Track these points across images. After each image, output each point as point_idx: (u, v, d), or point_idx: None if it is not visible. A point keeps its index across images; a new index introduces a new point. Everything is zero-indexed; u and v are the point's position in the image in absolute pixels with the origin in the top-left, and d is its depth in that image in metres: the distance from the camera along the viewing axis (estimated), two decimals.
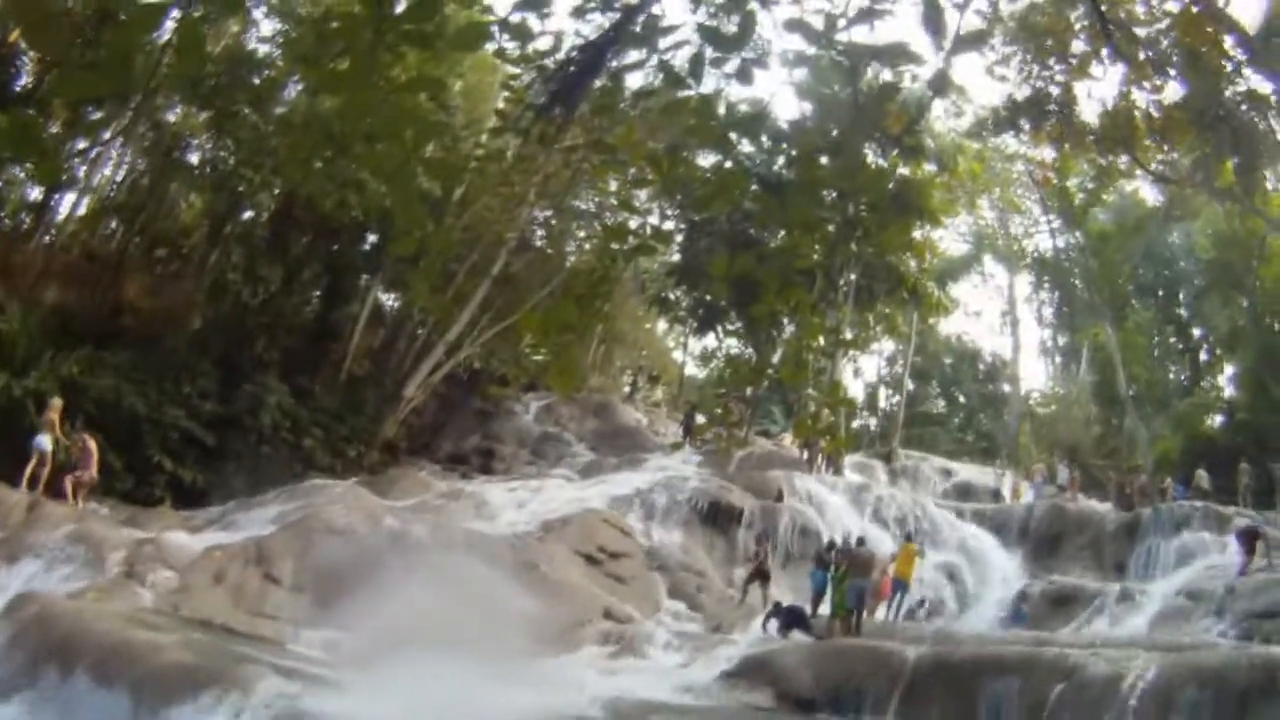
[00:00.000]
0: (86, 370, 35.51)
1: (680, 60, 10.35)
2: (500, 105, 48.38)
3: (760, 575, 36.49)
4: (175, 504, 35.61)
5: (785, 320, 52.13)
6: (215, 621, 24.41)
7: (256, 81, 43.98)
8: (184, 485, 37.24)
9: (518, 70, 16.28)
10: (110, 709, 15.55)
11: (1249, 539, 34.18)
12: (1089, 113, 48.27)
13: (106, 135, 45.07)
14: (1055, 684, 19.16)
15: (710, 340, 77.44)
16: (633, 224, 53.06)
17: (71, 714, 16.05)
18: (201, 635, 21.40)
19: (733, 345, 71.20)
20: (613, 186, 50.97)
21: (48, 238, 45.11)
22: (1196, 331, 74.35)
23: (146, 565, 26.50)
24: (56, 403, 31.50)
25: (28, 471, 30.06)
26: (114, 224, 47.65)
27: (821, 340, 47.31)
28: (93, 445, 31.29)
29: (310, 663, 20.88)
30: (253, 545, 28.59)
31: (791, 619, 29.23)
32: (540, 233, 55.73)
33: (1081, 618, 32.74)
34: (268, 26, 47.67)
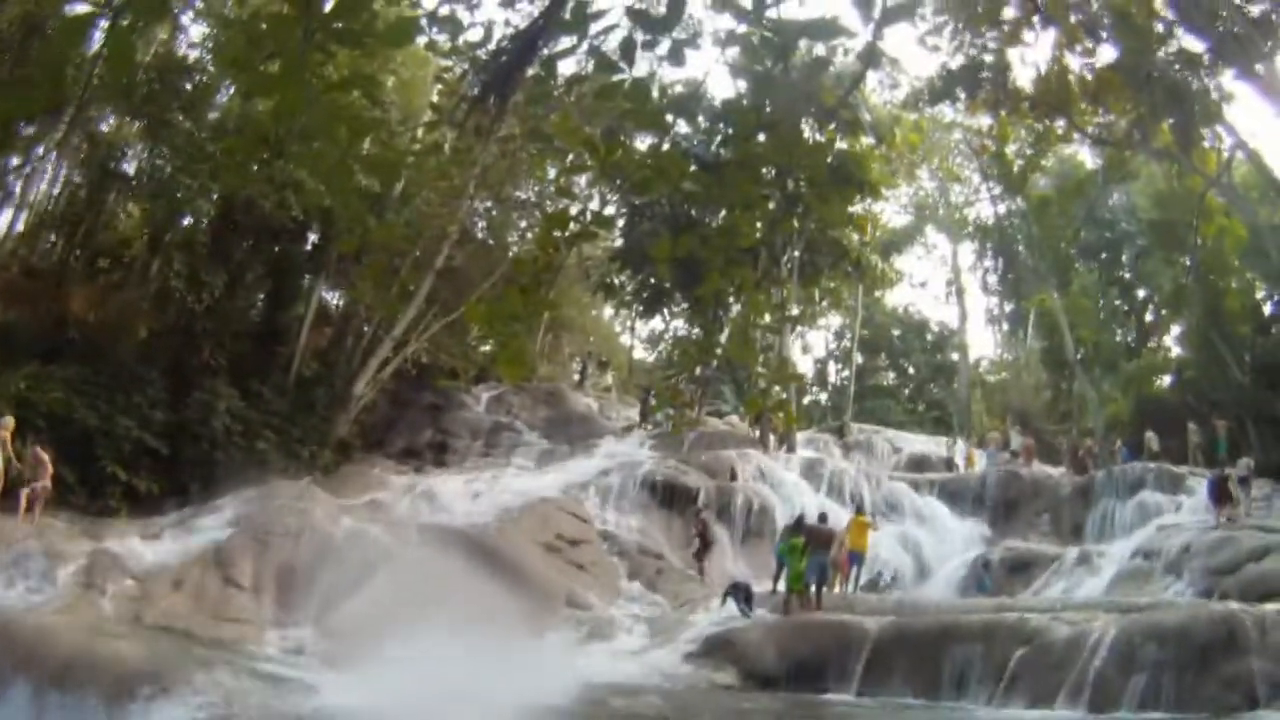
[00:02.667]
0: (34, 385, 35.20)
1: (611, 45, 10.38)
2: (435, 99, 48.50)
3: (704, 545, 36.76)
4: (131, 513, 35.37)
5: (731, 299, 52.35)
6: (177, 627, 24.41)
7: (189, 88, 43.80)
8: (139, 494, 37.00)
9: (450, 63, 16.27)
10: (77, 718, 15.54)
11: (1220, 489, 34.39)
12: (1024, 79, 48.57)
13: (40, 150, 44.82)
14: (1017, 648, 19.38)
15: (657, 323, 77.62)
16: (573, 210, 53.18)
17: None
18: (164, 642, 21.40)
19: (680, 327, 71.22)
20: (551, 174, 51.03)
21: None
22: (1141, 292, 74.55)
23: (106, 575, 26.44)
24: (9, 421, 31.28)
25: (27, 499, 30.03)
26: (53, 238, 47.23)
27: (768, 317, 47.49)
28: (46, 457, 31.16)
29: (274, 662, 20.90)
30: (211, 550, 28.59)
31: (738, 594, 29.39)
32: (482, 224, 55.66)
33: (1040, 582, 32.99)
34: (197, 31, 47.36)
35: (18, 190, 44.85)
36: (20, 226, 46.35)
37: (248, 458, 39.80)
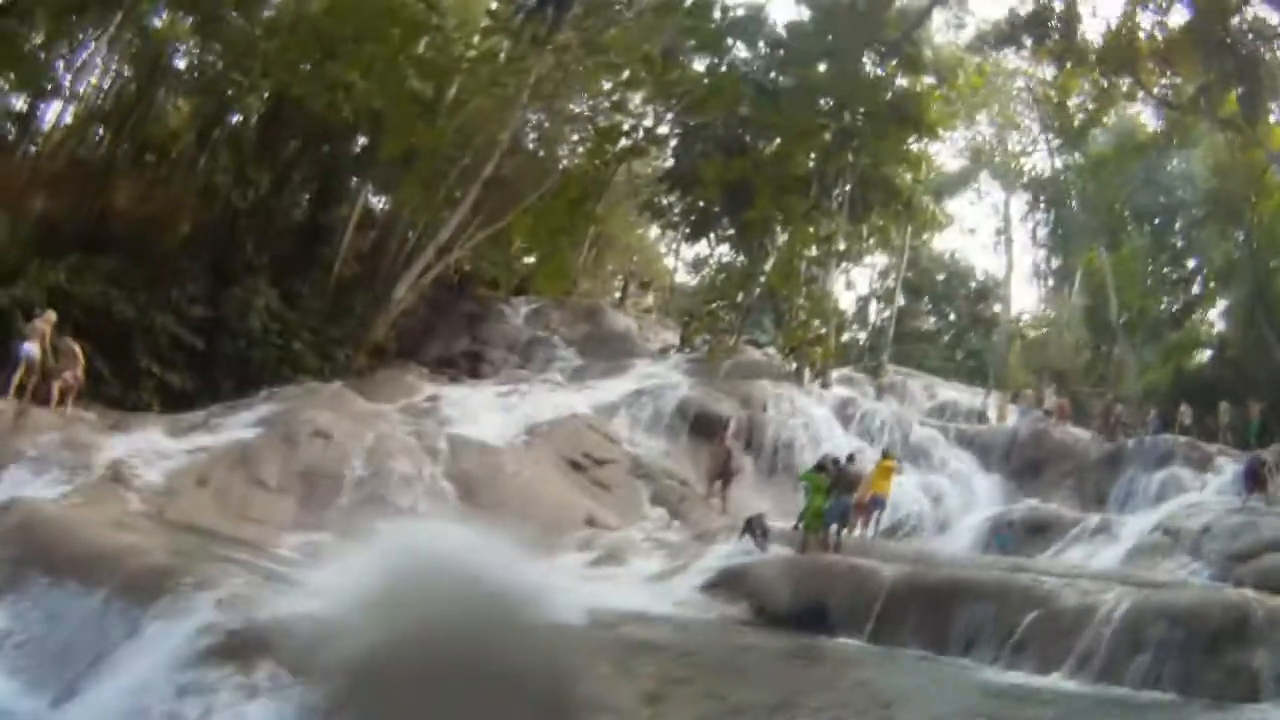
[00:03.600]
0: (74, 277, 35.32)
1: None
2: (492, 6, 48.30)
3: (724, 474, 36.80)
4: (163, 408, 35.55)
5: (778, 229, 52.16)
6: (200, 525, 24.54)
7: None
8: (172, 390, 37.22)
9: None
10: (94, 611, 15.63)
11: (1256, 475, 34.08)
12: (1092, 32, 48.05)
13: (91, 44, 44.82)
14: (1028, 611, 19.27)
15: (702, 248, 77.28)
16: (625, 126, 53.25)
17: (57, 618, 16.12)
18: (185, 538, 21.52)
19: (725, 253, 70.94)
20: (606, 89, 50.79)
21: (34, 148, 44.80)
22: (1191, 262, 73.35)
23: (132, 470, 26.62)
24: (50, 315, 31.53)
25: (15, 379, 30.11)
26: (101, 131, 47.18)
27: (814, 250, 47.43)
28: (77, 348, 31.29)
29: (288, 564, 21.00)
30: (238, 448, 28.74)
31: (758, 531, 29.43)
32: (533, 135, 55.47)
33: (1058, 545, 32.80)
34: None
35: (67, 83, 44.93)
36: (69, 119, 46.49)
37: (283, 357, 40.03)
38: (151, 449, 27.89)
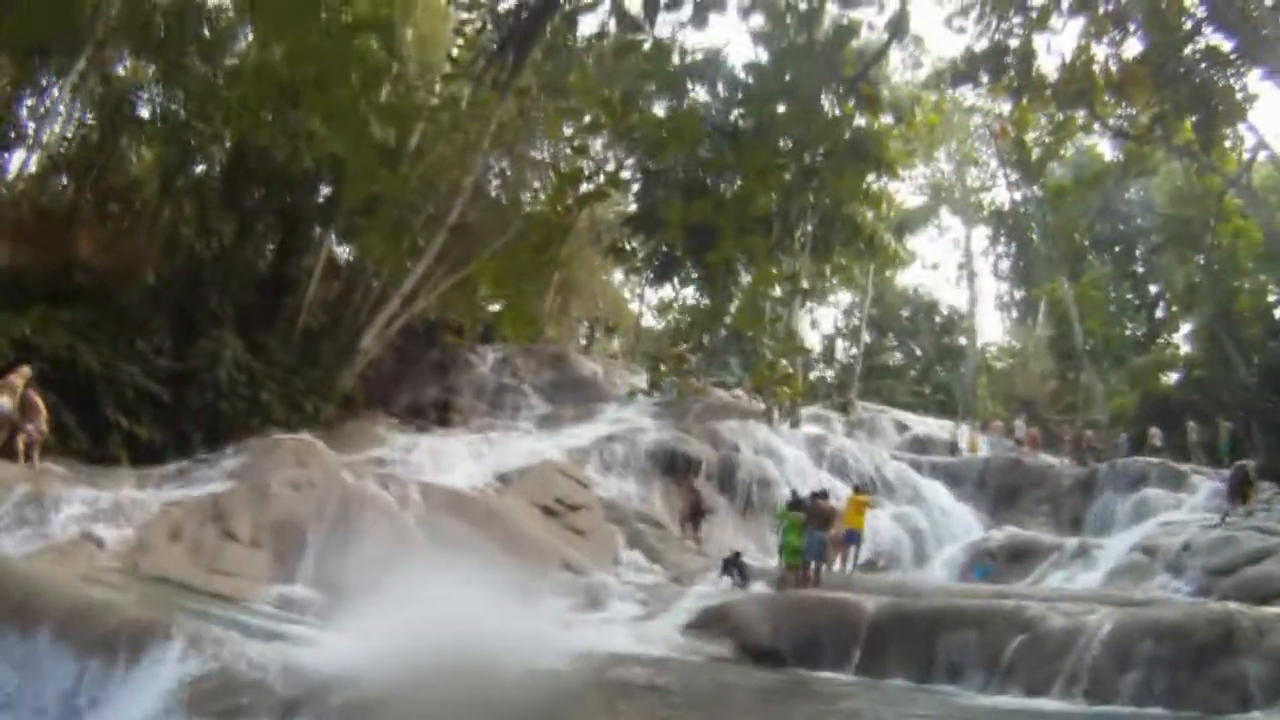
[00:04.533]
0: (40, 329, 35.02)
1: (633, 3, 10.22)
2: (453, 52, 48.32)
3: (695, 514, 36.82)
4: (132, 461, 35.36)
5: (742, 270, 52.18)
6: (173, 579, 24.36)
7: (206, 33, 43.69)
8: (141, 442, 36.94)
9: (470, 16, 16.08)
10: (69, 667, 15.45)
11: (1242, 480, 34.28)
12: (1048, 66, 48.32)
13: (55, 90, 44.77)
14: (1013, 636, 19.30)
15: (667, 291, 77.42)
16: (587, 171, 53.15)
17: (32, 674, 15.94)
18: (159, 592, 21.36)
19: (689, 295, 71.09)
20: (567, 133, 50.92)
21: None
22: (1153, 288, 74.49)
23: (103, 524, 26.33)
24: (25, 370, 31.21)
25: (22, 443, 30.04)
26: (64, 180, 47.13)
27: (778, 290, 47.41)
28: (39, 401, 31.06)
29: (266, 617, 20.85)
30: (210, 501, 28.49)
31: (737, 570, 29.39)
32: (496, 182, 55.48)
33: (1038, 571, 32.95)
34: None
35: (30, 130, 44.82)
36: (32, 167, 46.33)
37: (251, 409, 39.81)
38: (122, 503, 27.58)
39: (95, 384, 35.93)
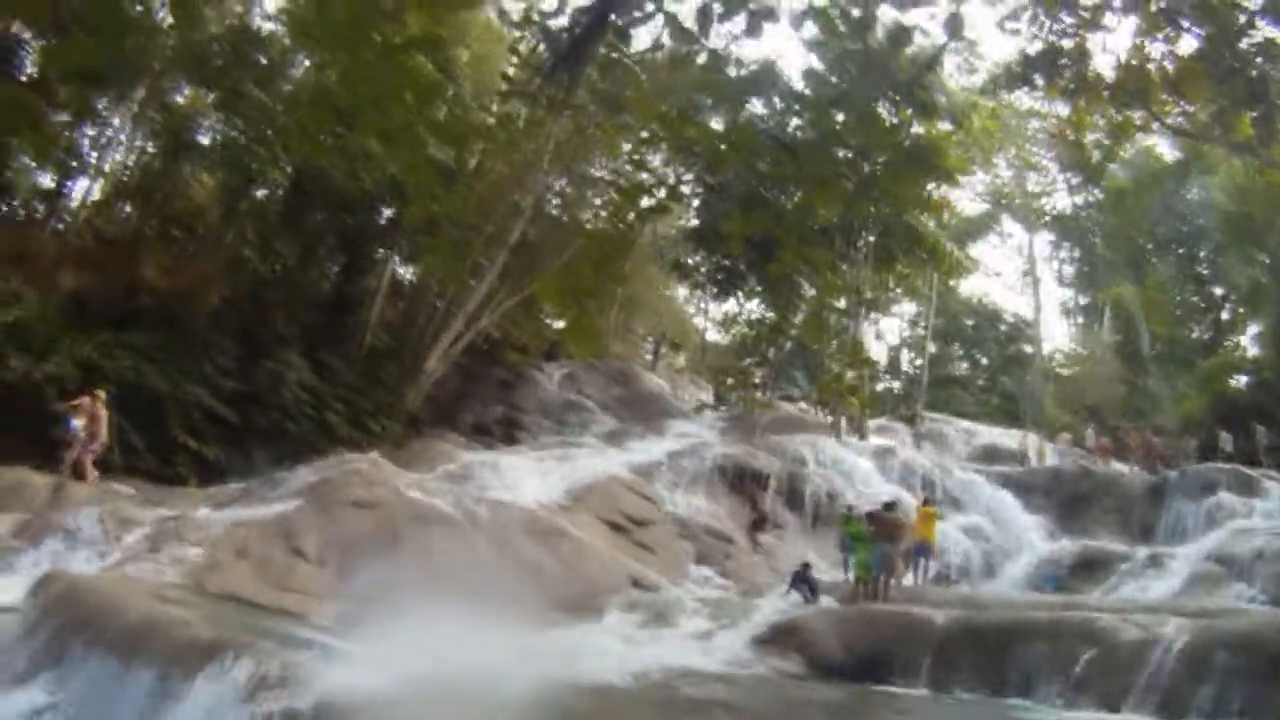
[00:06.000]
0: (106, 352, 35.48)
1: (687, 15, 10.17)
2: (508, 71, 48.40)
3: (759, 519, 36.75)
4: (199, 481, 35.68)
5: (804, 283, 52.04)
6: (240, 596, 24.41)
7: (262, 60, 43.97)
8: (207, 462, 37.31)
9: (523, 34, 16.08)
10: (135, 685, 15.46)
11: None
12: (1103, 66, 47.95)
13: (115, 120, 45.13)
14: (1086, 649, 19.01)
15: (731, 305, 77.29)
16: (647, 185, 53.15)
17: (97, 691, 15.99)
18: (226, 610, 21.39)
19: (753, 309, 70.90)
20: (625, 149, 50.96)
21: (61, 224, 45.10)
22: (1218, 289, 73.53)
23: (171, 542, 26.45)
24: (100, 394, 32.02)
25: (71, 456, 30.76)
26: (127, 207, 47.56)
27: (842, 302, 47.27)
28: (98, 408, 31.43)
29: (330, 635, 20.85)
30: (276, 520, 28.51)
31: (805, 584, 29.24)
32: (555, 201, 55.51)
33: (1109, 582, 32.57)
34: (271, 3, 47.67)
35: (93, 159, 45.24)
36: (96, 195, 46.74)
37: (317, 429, 40.03)
38: (189, 522, 27.71)
39: (162, 405, 36.35)
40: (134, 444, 34.76)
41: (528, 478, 38.38)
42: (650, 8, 10.22)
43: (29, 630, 18.13)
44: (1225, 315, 73.29)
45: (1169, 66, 41.90)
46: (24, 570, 23.64)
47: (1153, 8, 37.99)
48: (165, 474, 35.53)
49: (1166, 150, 67.26)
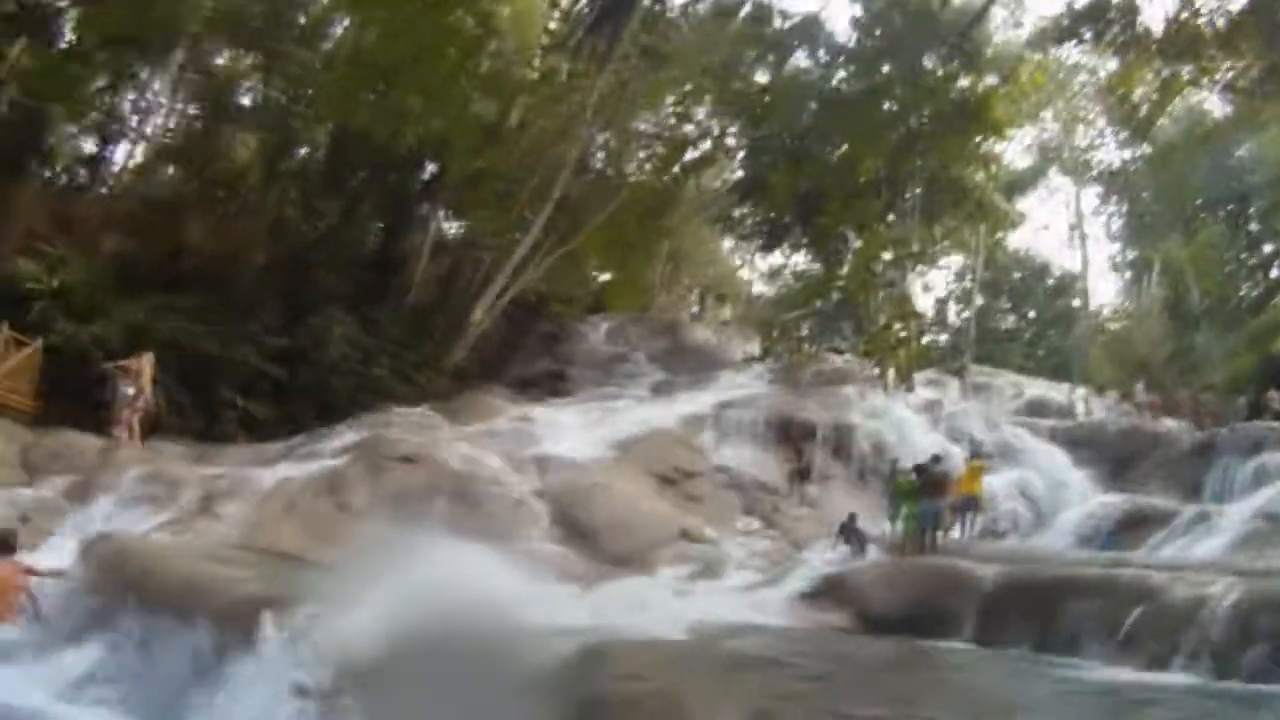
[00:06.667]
0: (153, 315, 35.78)
1: None
2: (550, 25, 48.38)
3: (800, 472, 36.71)
4: (248, 439, 35.99)
5: (851, 235, 51.90)
6: (290, 552, 24.51)
7: (301, 20, 44.05)
8: (256, 420, 37.66)
9: None
10: (188, 644, 15.53)
11: None
12: (1152, 20, 47.49)
13: (155, 84, 45.29)
14: (1134, 606, 18.80)
15: (777, 258, 76.99)
16: (691, 137, 53.30)
17: (151, 651, 16.08)
18: (274, 566, 21.48)
19: (799, 262, 70.67)
20: (669, 102, 50.87)
21: (104, 189, 45.36)
22: (1268, 247, 72.76)
23: (220, 500, 26.68)
24: (149, 356, 32.63)
25: (125, 418, 31.46)
26: (170, 170, 47.75)
27: (887, 254, 47.20)
28: (142, 365, 31.74)
29: (374, 590, 20.94)
30: (325, 475, 28.70)
31: (853, 537, 29.24)
32: (600, 154, 55.40)
33: (1157, 538, 32.29)
34: None
35: (134, 124, 45.44)
36: (138, 159, 46.99)
37: (363, 384, 40.14)
38: (238, 479, 27.89)
39: (209, 365, 36.67)
40: (182, 404, 35.16)
41: (575, 431, 38.33)
42: None
43: (81, 592, 18.25)
44: (1275, 273, 72.60)
45: (1219, 22, 41.53)
46: (75, 532, 23.86)
47: None
48: (214, 433, 36.01)
49: (1216, 106, 66.65)
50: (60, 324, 34.07)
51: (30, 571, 17.62)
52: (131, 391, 31.54)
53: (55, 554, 21.29)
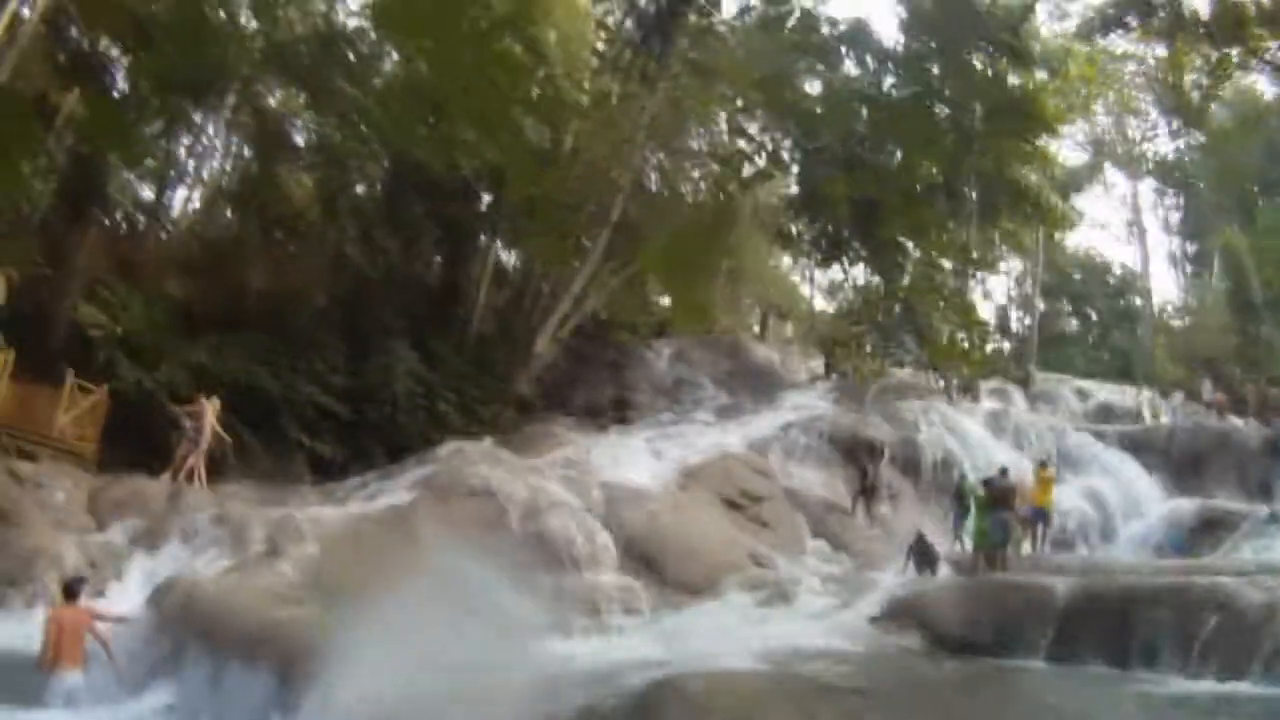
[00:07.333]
0: (216, 357, 36.07)
1: None
2: (598, 48, 48.49)
3: (865, 491, 36.60)
4: (315, 479, 36.11)
5: (910, 244, 51.77)
6: (358, 590, 24.61)
7: (351, 56, 44.32)
8: (323, 459, 37.81)
9: (609, 6, 16.20)
10: (254, 689, 15.68)
11: None
12: (1198, 2, 47.20)
13: (210, 127, 45.70)
14: (1210, 615, 18.60)
15: (836, 272, 76.87)
16: (746, 150, 53.28)
17: (219, 696, 16.24)
18: (340, 607, 21.61)
19: (859, 275, 70.60)
20: (721, 119, 50.94)
21: (164, 233, 45.78)
22: None
23: (288, 541, 26.70)
24: (216, 402, 32.92)
25: (192, 462, 31.81)
26: (228, 212, 48.15)
27: (948, 263, 47.02)
28: (207, 408, 32.10)
29: (443, 623, 20.99)
30: (393, 512, 28.76)
31: (922, 556, 29.10)
32: (654, 176, 55.40)
33: (1230, 542, 32.01)
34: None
35: (191, 167, 45.92)
36: (196, 202, 47.43)
37: (429, 419, 40.29)
38: (306, 519, 27.98)
39: (275, 405, 36.93)
40: (249, 445, 35.29)
41: (641, 458, 38.33)
42: None
43: (150, 637, 18.43)
44: None
45: (1266, 1, 41.24)
46: (142, 577, 24.11)
47: None
48: (282, 472, 35.96)
49: (1267, 88, 66.14)
50: (125, 369, 34.34)
51: (98, 616, 17.74)
52: (196, 434, 31.81)
53: (123, 599, 21.55)
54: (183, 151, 47.06)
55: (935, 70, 48.57)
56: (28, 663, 16.81)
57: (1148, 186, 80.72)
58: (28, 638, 17.63)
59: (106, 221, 43.45)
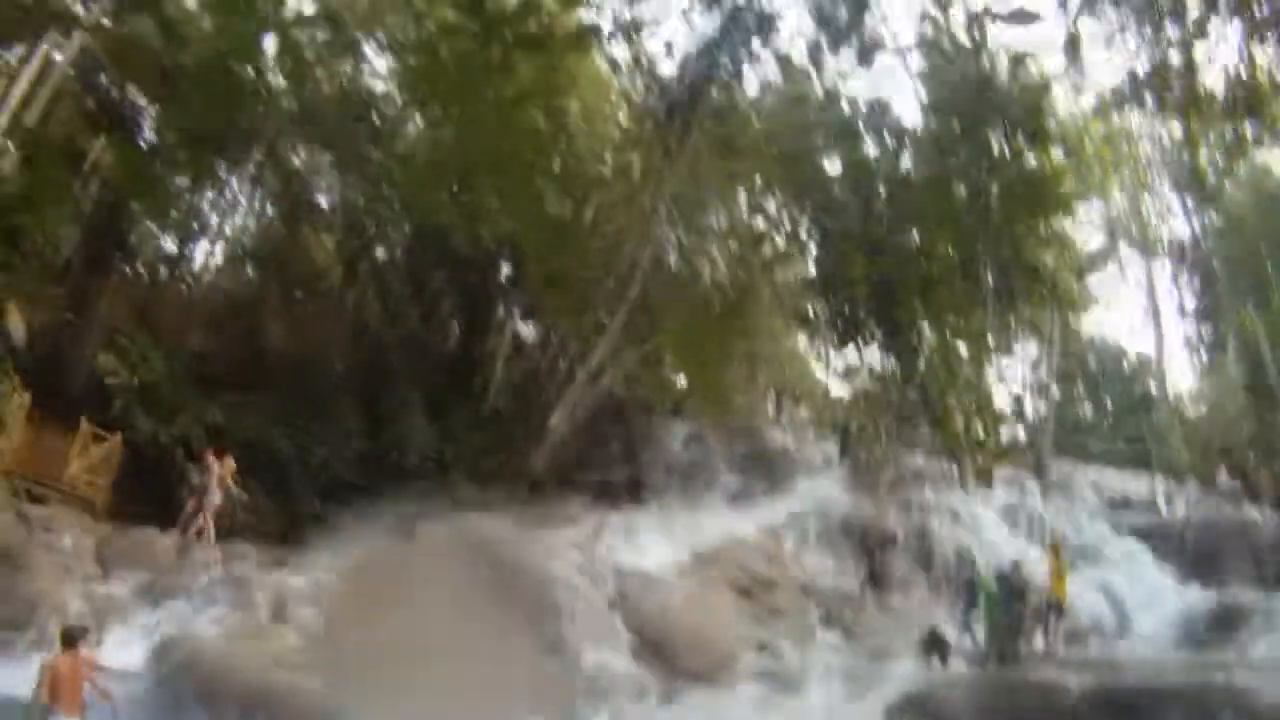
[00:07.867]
0: (232, 415, 36.06)
1: (797, 55, 10.20)
2: (621, 121, 48.55)
3: (873, 579, 36.48)
4: (323, 543, 35.88)
5: (926, 326, 51.59)
6: (360, 657, 24.50)
7: (376, 120, 44.44)
8: (331, 525, 37.51)
9: (632, 79, 16.22)
10: None
11: None
12: (1212, 80, 47.43)
13: (234, 183, 45.79)
14: (1228, 712, 18.50)
15: (852, 356, 76.79)
16: (763, 227, 53.28)
17: None
18: (342, 674, 21.55)
19: (874, 359, 70.50)
20: (741, 196, 50.94)
21: (185, 286, 45.79)
22: None
23: (294, 605, 26.71)
24: (230, 463, 32.83)
25: (193, 517, 31.58)
26: (250, 269, 48.23)
27: (964, 349, 46.91)
28: (214, 465, 32.16)
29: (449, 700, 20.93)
30: (400, 582, 28.64)
31: (935, 646, 28.92)
32: (674, 255, 55.44)
33: (1246, 634, 31.80)
34: (381, 64, 48.21)
35: (214, 223, 45.98)
36: (218, 257, 47.49)
37: (442, 490, 40.02)
38: (311, 584, 27.96)
39: (288, 468, 36.91)
40: (260, 506, 35.20)
41: (654, 540, 38.23)
42: (759, 51, 10.29)
43: (152, 694, 18.40)
44: None
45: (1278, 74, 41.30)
46: (145, 631, 24.06)
47: (1257, 13, 37.48)
48: (292, 536, 36.02)
49: None
50: (140, 420, 34.50)
51: (96, 667, 17.66)
52: (204, 490, 31.74)
53: (124, 651, 21.49)
54: (206, 205, 47.16)
55: (954, 149, 48.67)
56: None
57: (1163, 267, 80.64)
58: (30, 684, 17.56)
59: (128, 271, 43.63)
